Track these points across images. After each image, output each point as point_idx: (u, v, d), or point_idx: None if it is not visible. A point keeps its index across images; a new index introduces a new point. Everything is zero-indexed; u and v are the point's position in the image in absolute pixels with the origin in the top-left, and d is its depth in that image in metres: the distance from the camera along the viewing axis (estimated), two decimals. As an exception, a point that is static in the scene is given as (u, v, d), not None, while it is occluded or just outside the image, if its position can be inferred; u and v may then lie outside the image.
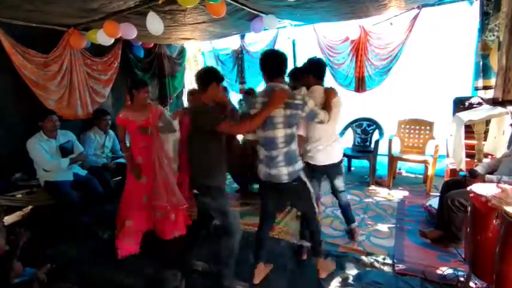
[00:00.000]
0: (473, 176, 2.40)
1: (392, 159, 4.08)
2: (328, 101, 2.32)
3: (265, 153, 2.14)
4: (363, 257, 2.58)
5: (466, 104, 3.63)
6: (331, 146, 2.52)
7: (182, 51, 5.81)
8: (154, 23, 3.03)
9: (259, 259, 2.41)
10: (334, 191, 2.78)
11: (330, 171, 2.64)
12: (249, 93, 4.05)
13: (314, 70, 2.53)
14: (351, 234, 2.89)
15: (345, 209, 2.84)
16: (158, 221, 2.99)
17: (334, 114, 2.34)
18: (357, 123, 4.59)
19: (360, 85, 4.55)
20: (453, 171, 3.40)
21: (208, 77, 2.20)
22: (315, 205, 2.28)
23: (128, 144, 2.94)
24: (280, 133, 2.03)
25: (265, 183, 2.22)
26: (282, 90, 2.01)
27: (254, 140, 2.22)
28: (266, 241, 2.46)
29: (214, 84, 2.19)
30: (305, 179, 2.19)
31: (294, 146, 2.12)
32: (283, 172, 2.09)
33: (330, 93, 2.37)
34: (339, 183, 2.71)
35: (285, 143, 2.06)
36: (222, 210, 2.24)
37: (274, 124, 2.03)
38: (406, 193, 3.88)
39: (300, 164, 2.16)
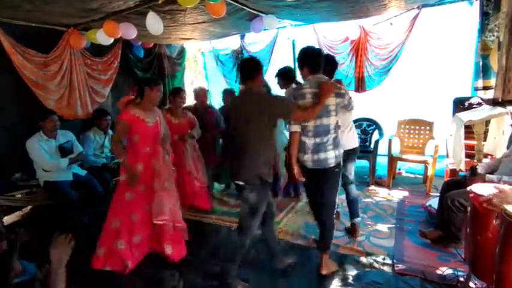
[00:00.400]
0: (474, 174, 2.40)
1: (392, 160, 4.08)
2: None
3: (314, 141, 2.26)
4: (363, 257, 2.58)
5: (466, 104, 3.63)
6: (351, 131, 2.80)
7: (182, 51, 5.81)
8: (154, 23, 3.02)
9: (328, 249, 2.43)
10: (345, 183, 2.81)
11: (345, 157, 2.57)
12: (228, 93, 4.08)
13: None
14: (352, 229, 2.92)
15: (354, 202, 2.88)
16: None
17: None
18: (356, 123, 4.59)
19: (360, 85, 4.55)
20: (453, 172, 3.40)
21: (255, 65, 2.21)
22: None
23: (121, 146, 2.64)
24: (333, 120, 2.24)
25: (310, 171, 2.33)
26: (329, 81, 2.27)
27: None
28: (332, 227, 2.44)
29: (260, 74, 2.24)
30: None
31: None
32: (331, 155, 2.26)
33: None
34: (351, 169, 2.85)
35: (334, 129, 2.27)
36: (257, 206, 2.19)
37: (329, 112, 2.22)
38: (406, 193, 3.89)
39: (341, 150, 2.34)
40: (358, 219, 2.91)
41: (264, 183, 2.16)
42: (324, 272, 2.38)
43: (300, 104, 2.24)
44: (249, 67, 2.20)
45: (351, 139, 2.80)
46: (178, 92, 3.47)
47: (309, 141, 2.28)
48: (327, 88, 2.15)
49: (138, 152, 2.57)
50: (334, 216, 2.45)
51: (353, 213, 2.91)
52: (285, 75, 3.39)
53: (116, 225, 2.56)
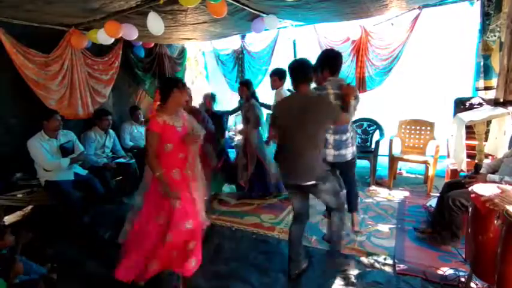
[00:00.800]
0: (477, 171, 2.40)
1: (393, 160, 4.07)
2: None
3: (335, 138, 2.54)
4: (364, 257, 2.58)
5: (467, 104, 3.63)
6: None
7: (183, 51, 5.81)
8: (155, 23, 3.03)
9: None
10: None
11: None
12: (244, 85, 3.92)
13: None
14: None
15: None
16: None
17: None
18: (357, 124, 4.59)
19: (361, 85, 4.55)
20: (454, 172, 3.40)
21: (310, 68, 2.24)
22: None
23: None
24: (351, 119, 2.46)
25: (333, 165, 2.56)
26: (348, 84, 2.49)
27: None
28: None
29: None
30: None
31: None
32: (350, 151, 2.60)
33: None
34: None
35: (351, 128, 2.57)
36: (336, 188, 2.37)
37: (350, 112, 2.37)
38: (407, 193, 3.88)
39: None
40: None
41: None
42: (356, 228, 2.89)
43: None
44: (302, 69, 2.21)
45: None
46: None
47: (331, 138, 2.55)
48: (350, 89, 2.32)
49: (175, 159, 2.30)
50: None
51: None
52: (282, 75, 3.48)
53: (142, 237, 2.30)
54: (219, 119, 3.99)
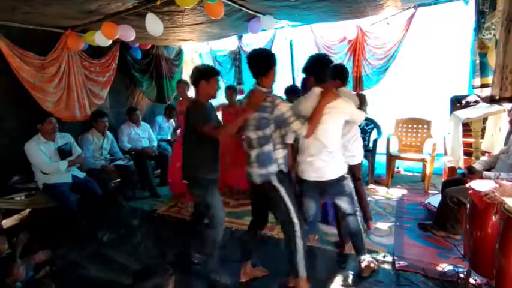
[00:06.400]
0: (471, 173, 2.42)
1: (391, 158, 4.10)
2: (318, 106, 2.03)
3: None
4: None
5: (463, 102, 3.66)
6: (323, 159, 2.11)
7: (180, 53, 5.81)
8: (154, 24, 3.02)
9: None
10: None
11: (327, 188, 2.21)
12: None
13: (313, 70, 2.19)
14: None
15: (355, 236, 2.34)
16: None
17: (324, 123, 2.05)
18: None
19: (358, 84, 4.57)
20: (451, 169, 3.42)
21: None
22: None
23: None
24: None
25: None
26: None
27: None
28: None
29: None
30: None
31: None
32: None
33: (323, 94, 2.05)
34: (343, 204, 2.24)
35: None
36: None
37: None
38: (405, 191, 3.91)
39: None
40: (363, 258, 2.38)
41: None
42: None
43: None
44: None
45: (325, 167, 2.20)
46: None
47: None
48: (252, 97, 2.02)
49: None
50: None
51: (357, 249, 2.45)
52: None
53: None
54: None
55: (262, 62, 2.05)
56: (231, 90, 4.01)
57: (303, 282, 2.08)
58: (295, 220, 2.04)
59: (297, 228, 2.03)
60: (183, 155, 2.40)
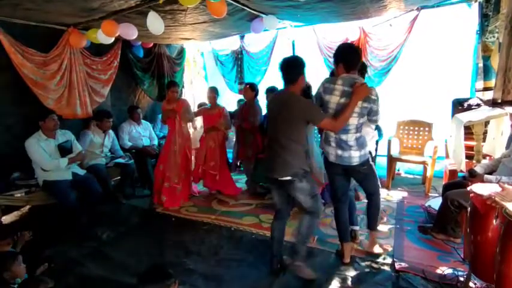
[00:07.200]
0: (472, 176, 2.41)
1: (392, 160, 4.09)
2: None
3: (336, 136, 2.33)
4: (363, 257, 2.58)
5: (465, 105, 3.65)
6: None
7: (181, 52, 5.81)
8: (155, 23, 3.02)
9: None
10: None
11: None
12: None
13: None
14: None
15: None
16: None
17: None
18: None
19: (360, 86, 4.56)
20: (452, 172, 3.41)
21: (298, 67, 2.25)
22: None
23: None
24: (354, 120, 2.28)
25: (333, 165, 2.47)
26: (362, 83, 2.23)
27: None
28: None
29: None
30: None
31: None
32: (355, 155, 2.35)
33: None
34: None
35: (369, 129, 2.63)
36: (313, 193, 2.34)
37: (344, 116, 2.22)
38: (405, 194, 3.90)
39: (366, 150, 2.44)
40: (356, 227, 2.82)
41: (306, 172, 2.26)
42: (375, 250, 2.61)
43: (326, 99, 2.26)
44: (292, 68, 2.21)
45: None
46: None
47: (332, 136, 2.34)
48: (360, 89, 2.13)
49: None
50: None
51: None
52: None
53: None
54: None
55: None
56: (213, 92, 4.02)
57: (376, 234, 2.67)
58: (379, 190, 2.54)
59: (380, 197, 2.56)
60: (277, 154, 2.24)
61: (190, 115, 4.01)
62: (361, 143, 2.31)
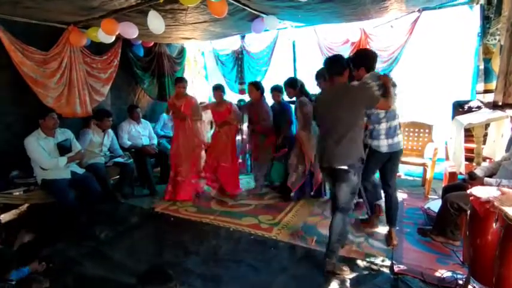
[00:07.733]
0: (472, 179, 2.40)
1: (391, 162, 4.07)
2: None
3: (386, 126, 2.63)
4: (362, 259, 2.58)
5: (465, 107, 3.64)
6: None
7: (182, 51, 5.80)
8: (156, 22, 3.02)
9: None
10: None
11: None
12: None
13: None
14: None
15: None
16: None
17: None
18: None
19: (360, 87, 4.55)
20: (452, 175, 3.40)
21: (344, 62, 2.50)
22: None
23: None
24: (393, 104, 2.57)
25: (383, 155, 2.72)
26: (384, 74, 2.70)
27: None
28: None
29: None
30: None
31: None
32: (400, 139, 2.73)
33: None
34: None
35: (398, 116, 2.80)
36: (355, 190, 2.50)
37: (391, 97, 2.50)
38: (405, 196, 3.89)
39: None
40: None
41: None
42: (394, 243, 2.75)
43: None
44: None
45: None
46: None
47: (381, 126, 2.61)
48: (386, 77, 2.52)
49: None
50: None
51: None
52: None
53: None
54: (289, 109, 4.05)
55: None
56: (219, 91, 4.01)
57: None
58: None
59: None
60: (335, 144, 2.37)
61: (200, 115, 4.07)
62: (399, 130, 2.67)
